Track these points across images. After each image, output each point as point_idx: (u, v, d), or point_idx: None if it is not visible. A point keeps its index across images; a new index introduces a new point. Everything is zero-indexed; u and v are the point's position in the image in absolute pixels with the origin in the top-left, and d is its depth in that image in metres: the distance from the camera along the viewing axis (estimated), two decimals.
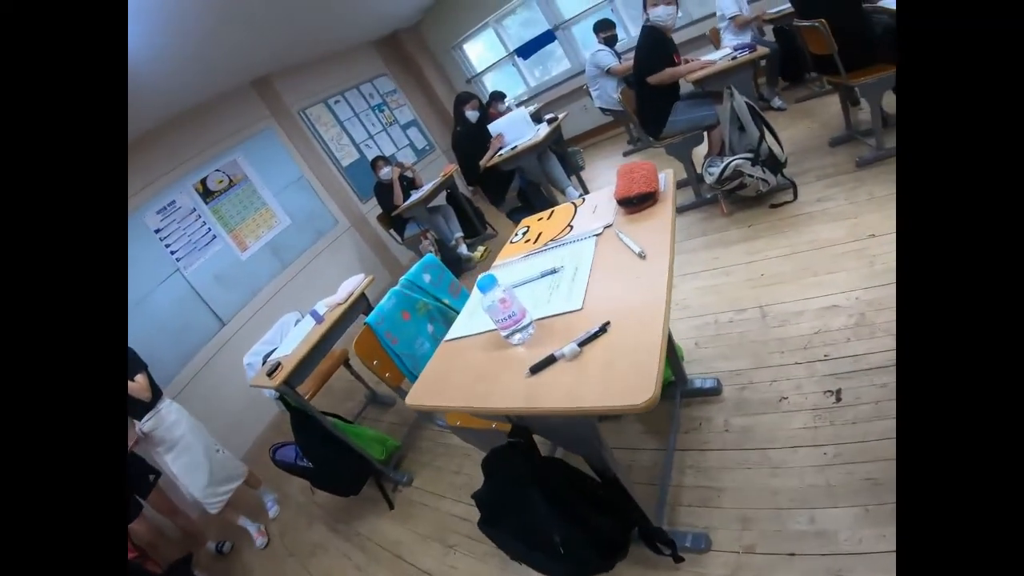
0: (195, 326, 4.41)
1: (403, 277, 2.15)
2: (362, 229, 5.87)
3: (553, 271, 1.42)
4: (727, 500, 1.63)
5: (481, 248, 5.34)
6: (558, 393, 0.98)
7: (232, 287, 4.71)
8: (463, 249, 5.21)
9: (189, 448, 3.25)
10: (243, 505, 3.52)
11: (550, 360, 1.05)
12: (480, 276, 1.21)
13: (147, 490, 3.27)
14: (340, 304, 2.66)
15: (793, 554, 1.39)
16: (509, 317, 1.17)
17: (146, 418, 3.15)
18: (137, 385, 3.07)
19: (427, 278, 2.20)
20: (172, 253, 4.45)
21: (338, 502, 2.89)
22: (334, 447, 2.48)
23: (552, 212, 1.93)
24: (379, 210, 5.41)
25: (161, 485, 3.36)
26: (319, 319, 2.62)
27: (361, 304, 2.74)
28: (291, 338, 2.77)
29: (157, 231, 4.41)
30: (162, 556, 3.35)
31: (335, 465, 2.50)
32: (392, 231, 5.44)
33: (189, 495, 3.28)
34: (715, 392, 2.00)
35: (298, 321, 3.25)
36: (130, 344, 3.28)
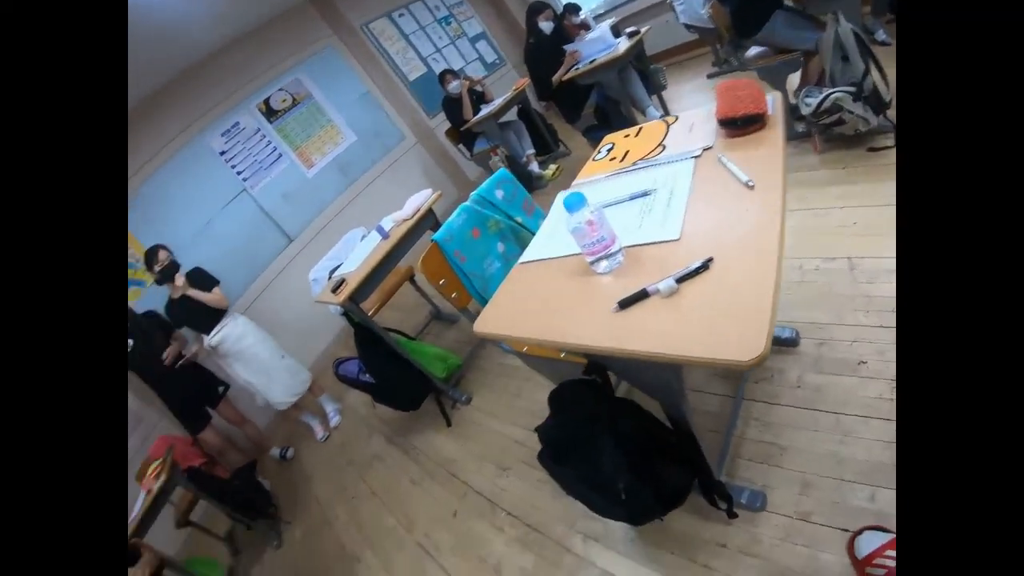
0: (262, 244, 4.59)
1: (474, 192, 2.05)
2: (429, 144, 5.78)
3: (645, 194, 1.28)
4: (789, 461, 1.55)
5: (553, 167, 5.15)
6: (649, 334, 0.88)
7: (299, 204, 4.81)
8: (534, 167, 5.04)
9: (256, 357, 3.42)
10: (307, 412, 3.70)
11: (642, 295, 0.95)
12: (566, 193, 1.09)
13: (216, 401, 3.54)
14: (406, 220, 2.61)
15: (847, 530, 1.31)
16: (597, 242, 1.06)
17: (213, 332, 3.30)
18: (215, 296, 3.24)
19: (500, 194, 2.10)
20: (238, 174, 4.55)
21: (398, 416, 2.98)
22: (396, 363, 2.52)
23: (640, 129, 1.76)
24: (447, 125, 5.28)
25: (229, 396, 3.61)
26: (384, 235, 2.60)
27: (428, 220, 2.68)
28: (356, 254, 2.77)
29: (222, 153, 4.50)
30: (229, 462, 3.63)
31: (396, 381, 2.54)
32: (461, 146, 5.32)
33: (262, 400, 3.47)
34: (792, 343, 1.86)
35: (364, 237, 3.24)
36: (199, 264, 3.43)
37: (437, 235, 1.89)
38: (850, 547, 1.26)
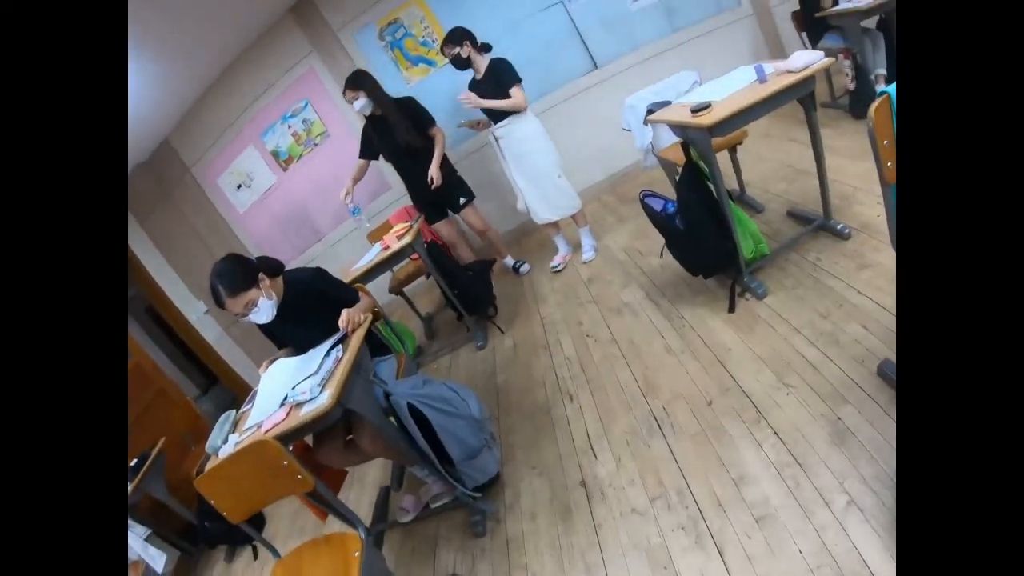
0: (565, 60, 4.44)
1: None
2: (764, 21, 5.00)
3: None
4: None
5: None
6: None
7: (614, 33, 4.49)
8: (882, 87, 4.16)
9: (534, 164, 3.34)
10: (561, 235, 3.61)
11: None
12: None
13: (457, 208, 3.59)
14: (791, 72, 2.16)
15: None
16: None
17: (501, 124, 3.21)
18: (515, 100, 3.19)
19: None
20: None
21: (667, 277, 2.74)
22: (713, 219, 2.20)
23: None
24: (793, 5, 4.47)
25: (475, 204, 3.64)
26: (763, 78, 2.18)
27: (809, 84, 2.20)
28: (714, 88, 2.40)
29: None
30: (458, 256, 3.72)
31: (705, 237, 2.24)
32: (804, 35, 4.52)
33: (522, 204, 3.41)
34: None
35: (695, 83, 2.88)
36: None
37: (891, 87, 1.48)
38: None
